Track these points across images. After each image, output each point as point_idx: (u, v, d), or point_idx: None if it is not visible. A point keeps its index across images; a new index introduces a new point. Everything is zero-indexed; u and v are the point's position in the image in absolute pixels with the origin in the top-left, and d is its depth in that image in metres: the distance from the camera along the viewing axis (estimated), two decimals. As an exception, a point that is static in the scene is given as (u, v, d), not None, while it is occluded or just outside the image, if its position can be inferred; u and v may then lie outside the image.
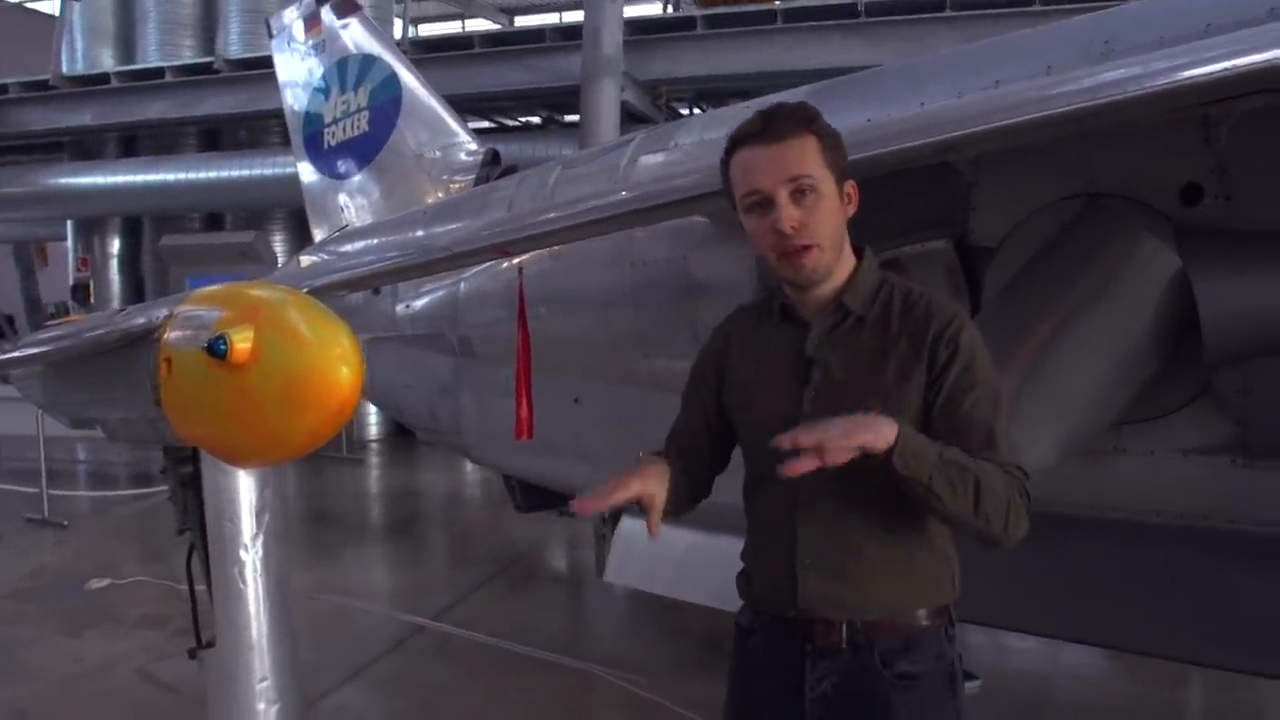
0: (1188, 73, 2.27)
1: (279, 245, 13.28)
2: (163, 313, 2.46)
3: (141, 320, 2.59)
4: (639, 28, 10.08)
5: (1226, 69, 2.18)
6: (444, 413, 6.17)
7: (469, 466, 10.07)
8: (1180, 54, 2.35)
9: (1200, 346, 2.74)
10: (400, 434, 12.35)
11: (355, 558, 8.07)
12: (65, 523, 8.75)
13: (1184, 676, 4.82)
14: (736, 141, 1.95)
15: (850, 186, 1.95)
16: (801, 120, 1.90)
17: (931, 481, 1.72)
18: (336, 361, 1.89)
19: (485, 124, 12.98)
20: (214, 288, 2.32)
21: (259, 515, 2.84)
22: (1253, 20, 2.64)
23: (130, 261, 14.94)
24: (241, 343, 1.93)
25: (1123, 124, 2.78)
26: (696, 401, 2.15)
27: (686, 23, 10.04)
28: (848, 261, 1.99)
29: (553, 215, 3.54)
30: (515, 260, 4.45)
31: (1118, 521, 3.24)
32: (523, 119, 12.92)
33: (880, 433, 1.67)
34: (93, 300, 14.40)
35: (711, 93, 10.26)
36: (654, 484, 1.90)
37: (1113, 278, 2.83)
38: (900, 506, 1.83)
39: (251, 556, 2.80)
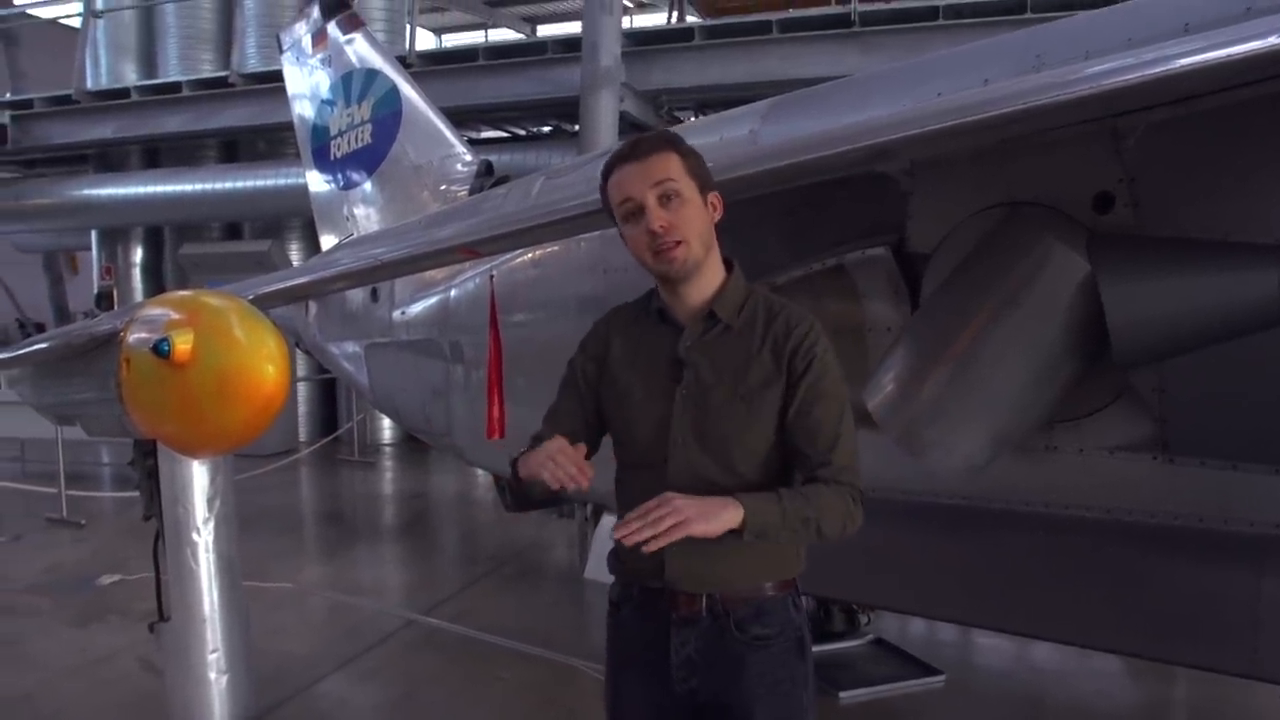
0: (1106, 82, 2.43)
1: (295, 254, 13.59)
2: (128, 317, 2.67)
3: (107, 325, 2.80)
4: (638, 39, 10.27)
5: (1139, 79, 2.34)
6: (437, 415, 6.37)
7: (478, 469, 10.29)
8: (1101, 66, 2.52)
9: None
10: (412, 438, 12.56)
11: (358, 556, 8.30)
12: (83, 522, 9.05)
13: (1150, 672, 4.94)
14: (611, 164, 2.19)
15: (714, 197, 2.19)
16: (664, 141, 2.16)
17: (779, 538, 2.04)
18: (264, 360, 2.09)
19: (497, 134, 13.25)
20: (167, 295, 2.52)
21: (210, 501, 3.05)
22: (1170, 35, 2.78)
23: (153, 270, 15.28)
24: (183, 344, 2.14)
25: (1041, 131, 2.95)
26: (574, 391, 2.32)
27: (685, 33, 10.22)
28: (717, 271, 2.21)
29: (500, 217, 3.73)
30: (487, 266, 4.63)
31: (1049, 516, 3.38)
32: (532, 129, 13.14)
33: (724, 521, 1.93)
34: (116, 308, 14.75)
35: (712, 102, 10.41)
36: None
37: (1027, 283, 2.96)
38: None
39: (203, 538, 3.02)
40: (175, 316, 2.27)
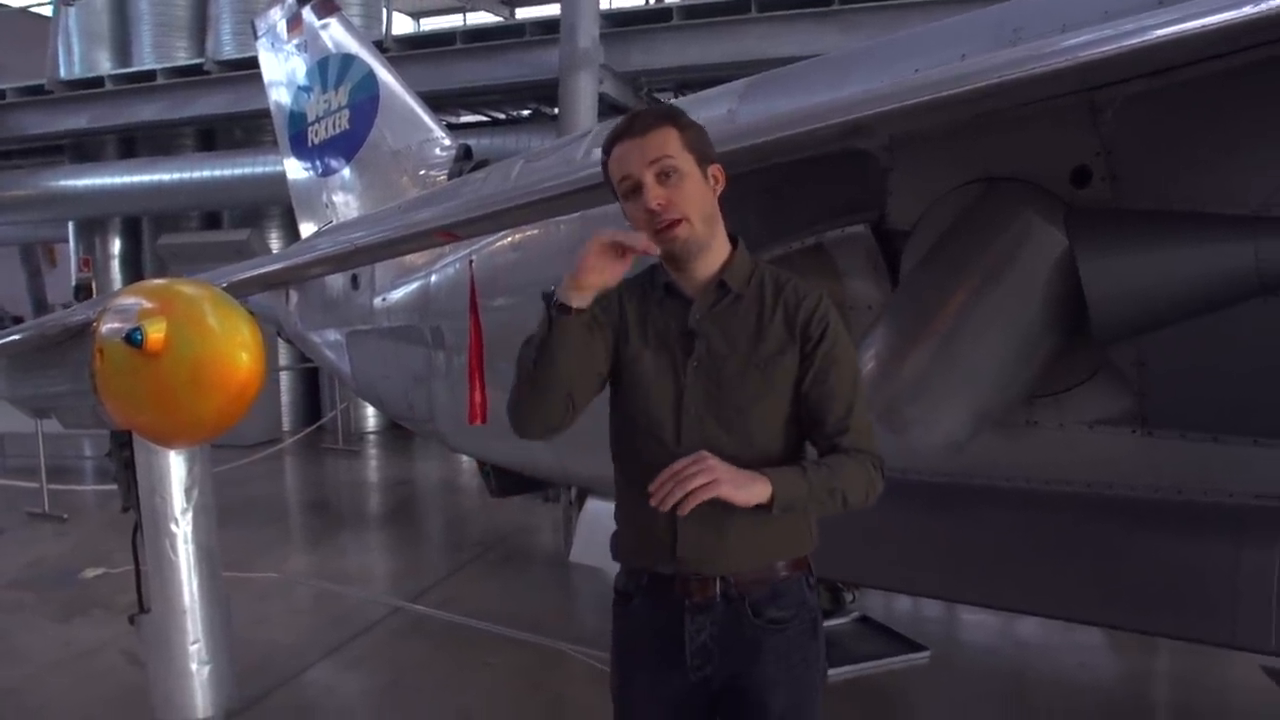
0: (1084, 54, 2.43)
1: (274, 242, 13.50)
2: (101, 307, 2.64)
3: (80, 316, 2.77)
4: (616, 20, 10.23)
5: (1117, 50, 2.34)
6: (419, 402, 6.34)
7: (462, 456, 10.27)
8: (1077, 38, 2.52)
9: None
10: (396, 426, 12.54)
11: (344, 544, 8.29)
12: (65, 516, 9.00)
13: (1132, 644, 4.98)
14: (611, 140, 2.13)
15: (715, 170, 2.13)
16: (662, 115, 2.11)
17: (807, 509, 2.06)
18: (237, 348, 2.07)
19: (476, 118, 13.17)
20: (140, 284, 2.49)
21: (188, 491, 3.04)
22: (1146, 7, 2.77)
23: (131, 261, 15.17)
24: (155, 333, 2.11)
25: (1018, 105, 2.95)
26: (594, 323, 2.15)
27: (663, 14, 10.18)
28: (723, 245, 2.16)
29: (477, 199, 3.71)
30: (467, 251, 4.61)
31: (1031, 491, 3.39)
32: (512, 112, 13.07)
33: (754, 494, 1.92)
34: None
35: (691, 82, 10.36)
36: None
37: (1005, 258, 2.96)
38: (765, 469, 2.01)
39: (182, 529, 3.00)
40: (148, 305, 2.25)
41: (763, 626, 2.10)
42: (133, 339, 2.11)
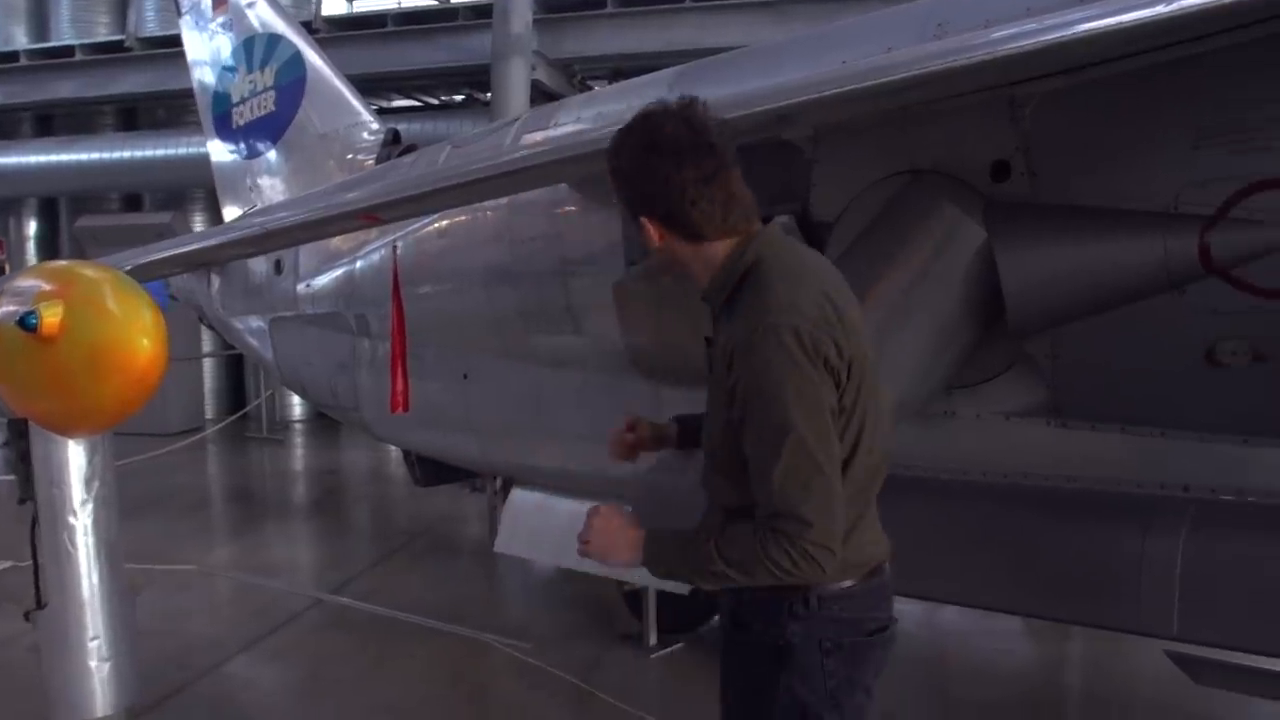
0: (1004, 49, 2.47)
1: (198, 225, 13.13)
2: (-1, 289, 2.54)
3: (-24, 298, 2.66)
4: (550, 6, 10.13)
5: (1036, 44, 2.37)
6: (343, 390, 6.24)
7: (390, 445, 10.15)
8: (997, 33, 2.55)
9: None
10: (323, 414, 12.34)
11: (267, 535, 8.13)
12: (-27, 507, 8.68)
13: (1049, 630, 5.08)
14: None
15: (644, 221, 1.99)
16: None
17: (695, 584, 2.06)
18: (138, 333, 2.00)
19: (409, 102, 12.99)
20: (41, 265, 2.40)
21: (88, 482, 2.94)
22: (1068, 5, 2.81)
23: (48, 244, 14.70)
24: (51, 317, 2.03)
25: (941, 99, 2.98)
26: None
27: (598, 1, 10.12)
28: (715, 258, 1.99)
29: (400, 181, 3.65)
30: (392, 237, 4.53)
31: (949, 481, 3.44)
32: (445, 97, 12.92)
33: (621, 559, 1.96)
34: (8, 283, 14.15)
35: (626, 71, 10.31)
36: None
37: (926, 250, 3.00)
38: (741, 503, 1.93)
39: (81, 521, 2.90)
40: (46, 288, 2.16)
41: (730, 625, 2.12)
42: (26, 323, 2.03)
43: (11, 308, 2.29)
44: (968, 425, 3.37)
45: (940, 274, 3.00)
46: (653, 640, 4.96)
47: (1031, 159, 2.97)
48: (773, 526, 1.80)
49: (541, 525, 5.08)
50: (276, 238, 4.11)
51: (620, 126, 2.00)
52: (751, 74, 3.74)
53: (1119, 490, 3.06)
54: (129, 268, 2.67)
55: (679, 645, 4.98)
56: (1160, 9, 2.21)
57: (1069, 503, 3.18)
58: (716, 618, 5.14)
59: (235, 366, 13.66)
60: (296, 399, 13.05)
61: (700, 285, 2.02)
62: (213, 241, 4.04)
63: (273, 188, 7.81)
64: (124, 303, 2.05)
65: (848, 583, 1.99)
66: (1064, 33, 2.37)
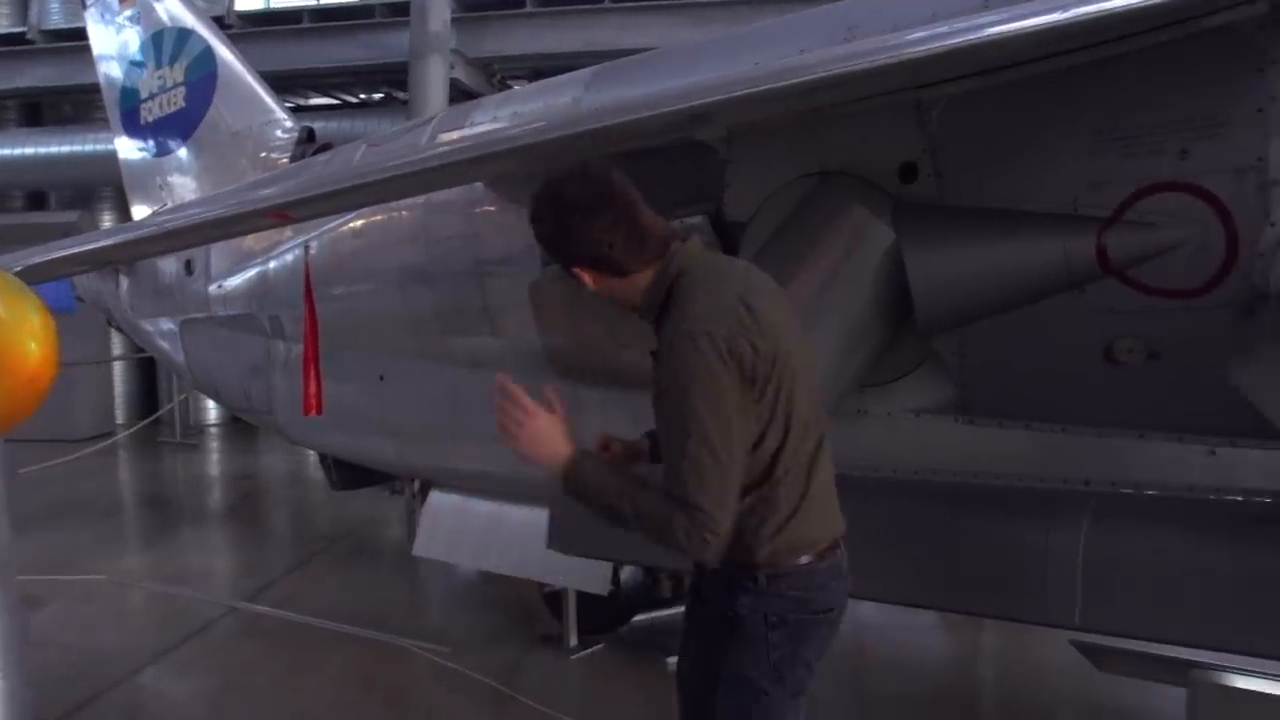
0: (909, 51, 2.52)
1: (107, 225, 12.77)
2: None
3: None
4: (469, 5, 10.06)
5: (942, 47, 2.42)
6: (257, 392, 6.12)
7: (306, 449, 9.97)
8: (905, 36, 2.60)
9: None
10: (240, 418, 12.09)
11: (181, 543, 7.93)
12: None
13: (963, 623, 5.19)
14: None
15: (576, 271, 2.20)
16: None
17: (594, 510, 2.07)
18: (25, 337, 1.94)
19: (327, 100, 12.78)
20: (-77, 265, 2.30)
21: (-24, 492, 2.82)
22: (971, 10, 2.87)
23: (-53, 243, 14.14)
24: (-69, 319, 1.94)
25: (850, 101, 3.03)
26: None
27: (518, 1, 10.08)
28: (640, 284, 2.18)
29: (312, 179, 3.59)
30: (305, 238, 4.45)
31: (862, 479, 3.48)
32: (364, 96, 12.74)
33: (545, 459, 2.08)
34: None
35: (546, 71, 10.28)
36: None
37: (836, 251, 3.04)
38: None
39: (-32, 534, 2.78)
40: (-74, 289, 2.07)
41: (692, 598, 2.39)
42: (-94, 325, 1.94)
43: (-108, 310, 2.20)
44: (879, 423, 3.42)
45: (850, 275, 3.05)
46: (573, 641, 4.95)
47: (938, 161, 3.03)
48: (677, 507, 1.98)
49: (460, 527, 5.04)
50: (183, 236, 3.99)
51: (534, 194, 2.17)
52: (667, 74, 3.76)
53: (1024, 485, 3.14)
54: (19, 269, 2.57)
55: (599, 646, 4.97)
56: (1058, 15, 2.28)
57: (977, 498, 3.25)
58: (636, 618, 5.17)
59: (147, 370, 13.29)
60: (211, 403, 12.76)
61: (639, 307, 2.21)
62: (114, 240, 3.89)
63: (184, 186, 7.62)
64: (10, 306, 1.98)
65: (803, 559, 2.17)
66: (971, 36, 2.43)
